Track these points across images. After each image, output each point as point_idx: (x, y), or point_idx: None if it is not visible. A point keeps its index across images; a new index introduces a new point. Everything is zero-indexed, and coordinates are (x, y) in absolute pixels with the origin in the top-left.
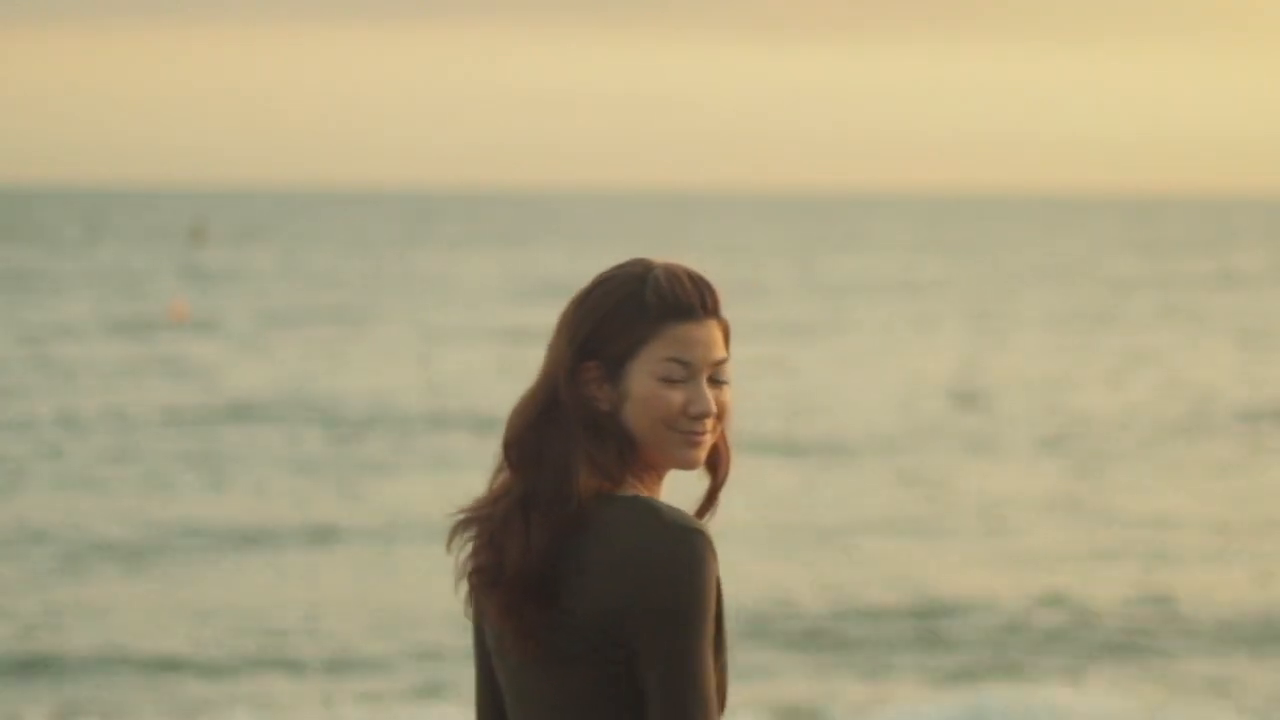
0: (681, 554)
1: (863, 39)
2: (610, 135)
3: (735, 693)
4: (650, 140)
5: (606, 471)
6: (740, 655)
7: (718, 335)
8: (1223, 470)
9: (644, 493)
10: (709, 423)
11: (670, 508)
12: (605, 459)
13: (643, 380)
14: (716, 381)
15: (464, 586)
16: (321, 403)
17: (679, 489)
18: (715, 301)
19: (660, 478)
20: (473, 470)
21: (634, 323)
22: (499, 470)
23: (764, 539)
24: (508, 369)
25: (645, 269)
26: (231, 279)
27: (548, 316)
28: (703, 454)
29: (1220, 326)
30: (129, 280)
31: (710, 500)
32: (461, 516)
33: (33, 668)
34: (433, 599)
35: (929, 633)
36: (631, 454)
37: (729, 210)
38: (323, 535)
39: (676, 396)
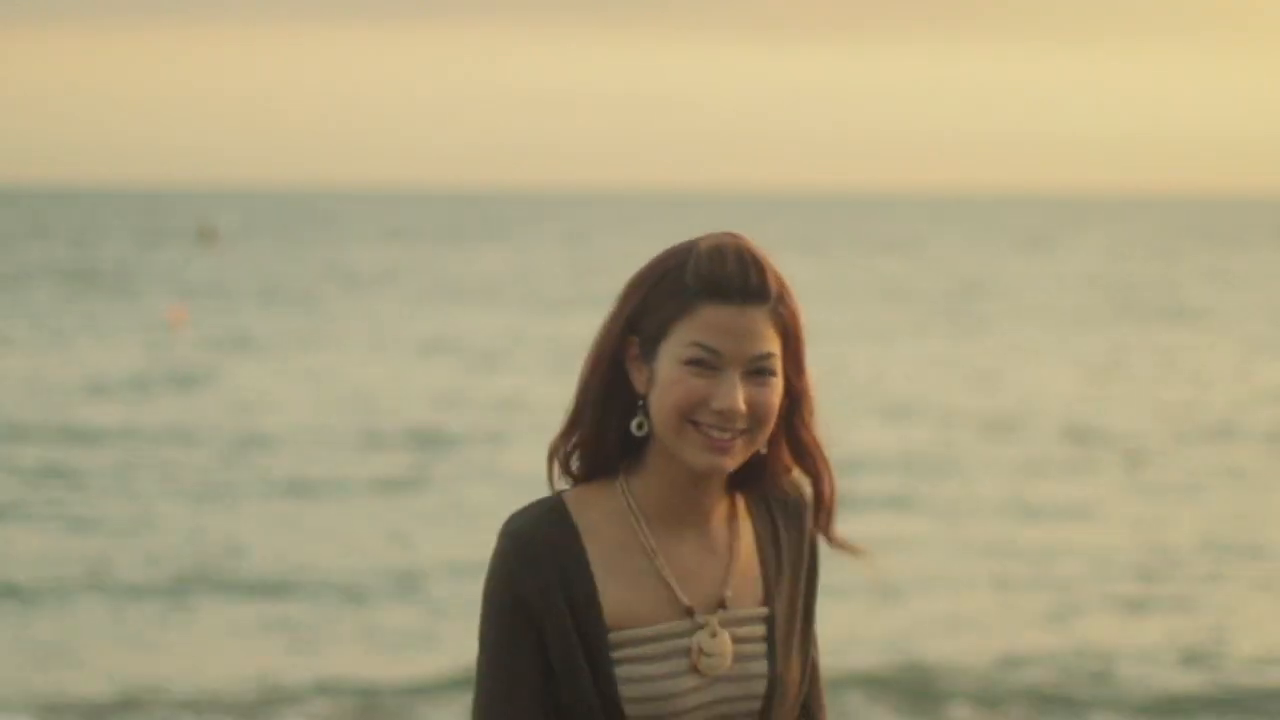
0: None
1: (863, 39)
2: (610, 135)
3: None
4: (650, 140)
5: (591, 459)
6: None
7: (763, 326)
8: None
9: (637, 486)
10: (738, 424)
11: (527, 507)
12: (598, 444)
13: (668, 363)
14: (757, 377)
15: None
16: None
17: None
18: (765, 287)
19: (689, 477)
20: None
21: (670, 299)
22: None
23: None
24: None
25: (690, 243)
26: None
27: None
28: (727, 460)
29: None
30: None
31: (824, 516)
32: None
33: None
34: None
35: None
36: (646, 444)
37: (729, 210)
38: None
39: (699, 386)
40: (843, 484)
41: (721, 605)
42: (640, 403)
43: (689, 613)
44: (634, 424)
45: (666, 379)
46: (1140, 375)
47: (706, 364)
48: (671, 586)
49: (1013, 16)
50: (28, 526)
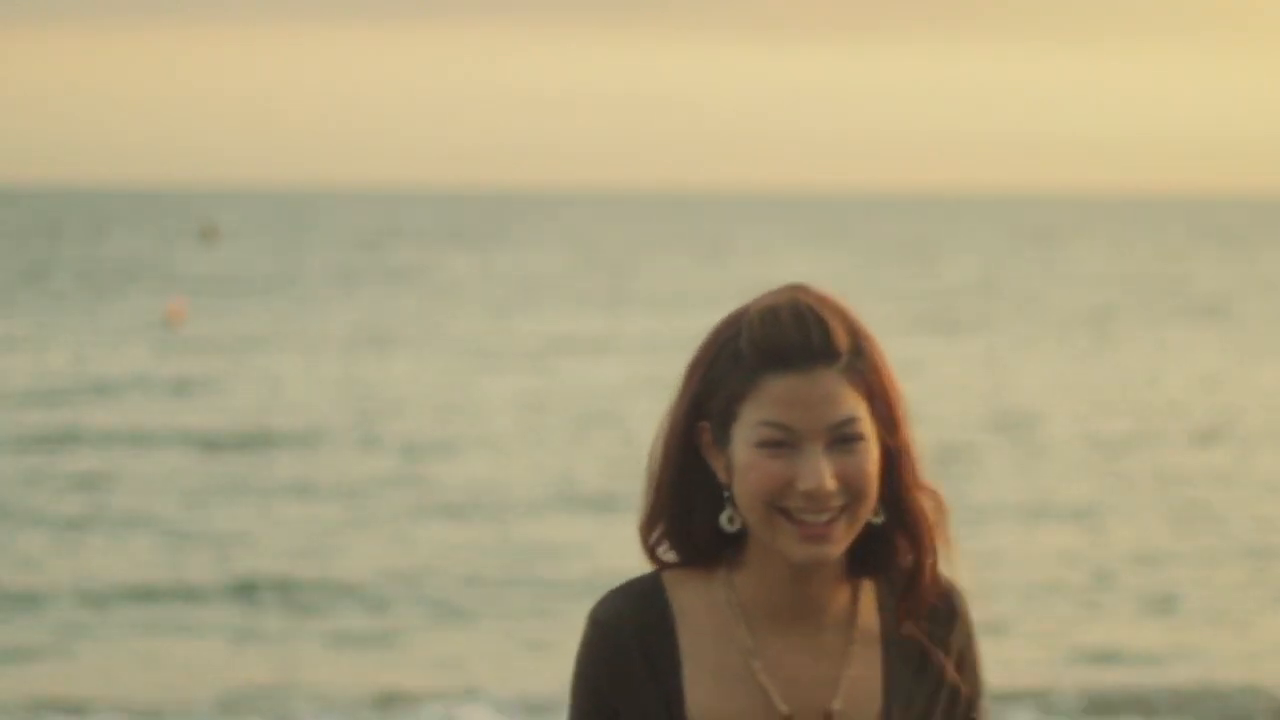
0: None
1: (863, 39)
2: (610, 135)
3: None
4: (650, 140)
5: (689, 547)
6: None
7: (837, 388)
8: None
9: (740, 580)
10: (832, 502)
11: (620, 587)
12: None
13: (742, 449)
14: (843, 446)
15: None
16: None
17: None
18: (831, 344)
19: (792, 571)
20: None
21: (730, 376)
22: None
23: None
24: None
25: (745, 308)
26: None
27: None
28: (829, 548)
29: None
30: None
31: (911, 598)
32: None
33: None
34: None
35: None
36: (745, 534)
37: (729, 210)
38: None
39: (778, 469)
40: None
41: (828, 718)
42: (727, 494)
43: None
44: (723, 518)
45: (743, 466)
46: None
47: (782, 443)
48: (768, 692)
49: (1013, 16)
50: (36, 527)
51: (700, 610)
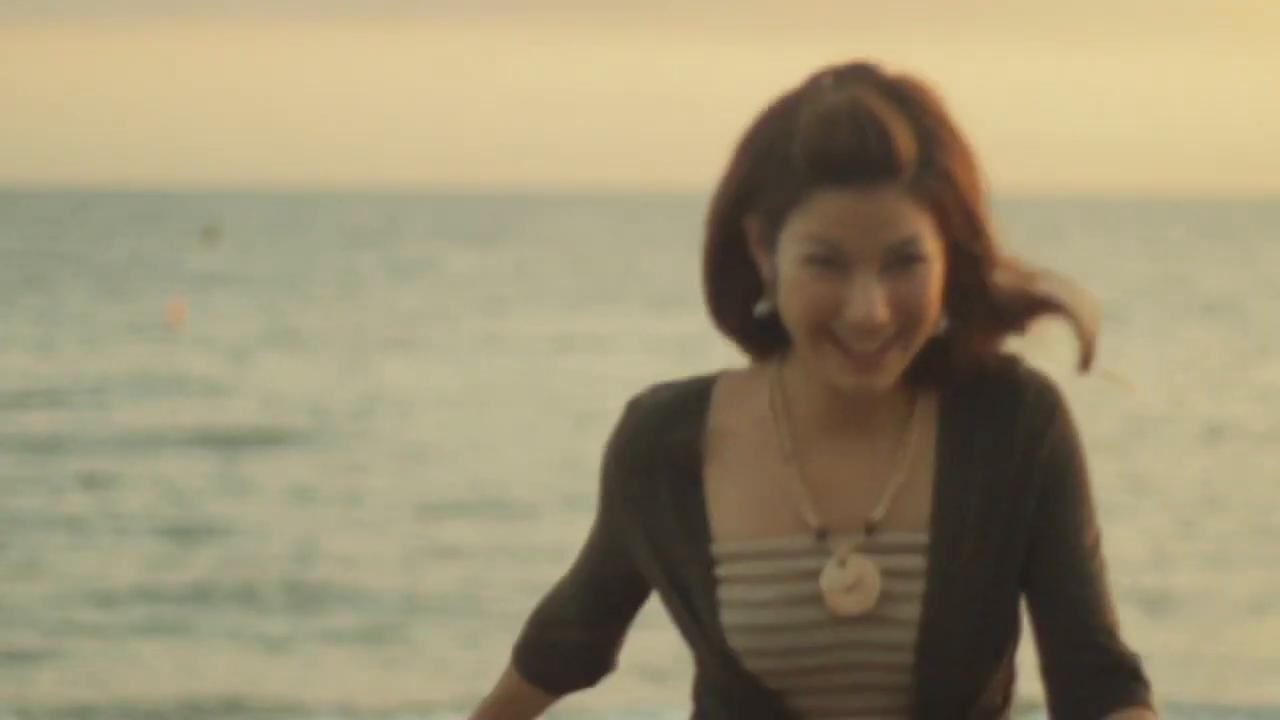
0: None
1: (863, 39)
2: (610, 135)
3: None
4: (650, 140)
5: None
6: None
7: (897, 206)
8: None
9: (790, 376)
10: (884, 332)
11: (671, 382)
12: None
13: (788, 261)
14: (899, 268)
15: None
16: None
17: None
18: (894, 156)
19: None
20: None
21: (779, 181)
22: None
23: None
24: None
25: (804, 94)
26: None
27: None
28: (878, 378)
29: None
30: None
31: (1084, 348)
32: None
33: None
34: None
35: None
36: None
37: None
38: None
39: (825, 291)
40: None
41: (869, 528)
42: (767, 290)
43: (820, 534)
44: (758, 307)
45: (789, 281)
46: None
47: (831, 261)
48: (800, 503)
49: (1013, 16)
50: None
51: (742, 420)
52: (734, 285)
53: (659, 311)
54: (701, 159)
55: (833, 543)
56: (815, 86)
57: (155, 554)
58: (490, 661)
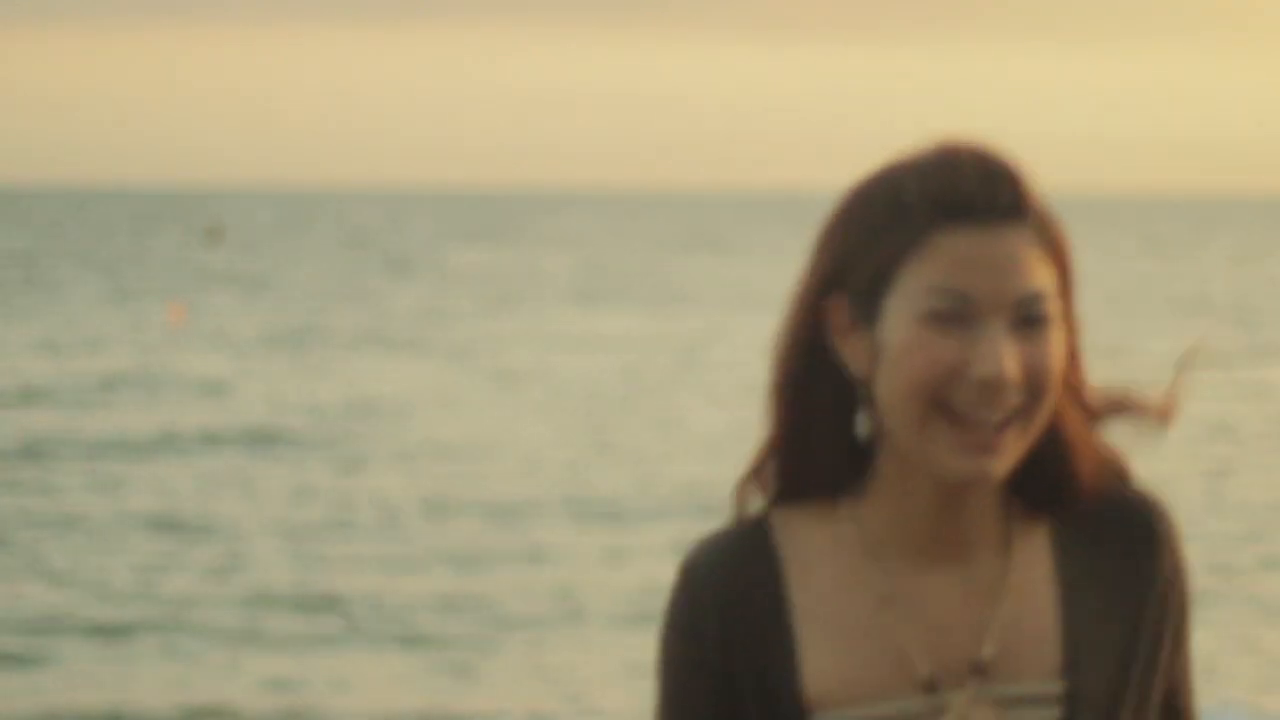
0: None
1: (863, 39)
2: (610, 135)
3: None
4: (650, 140)
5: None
6: None
7: (1027, 253)
8: None
9: (867, 510)
10: (1009, 398)
11: (716, 533)
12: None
13: (898, 323)
14: (1028, 329)
15: None
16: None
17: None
18: (1021, 198)
19: (941, 494)
20: None
21: (888, 233)
22: None
23: None
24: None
25: (900, 159)
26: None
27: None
28: (995, 462)
29: None
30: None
31: (1066, 489)
32: None
33: None
34: None
35: None
36: (874, 453)
37: (730, 210)
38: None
39: (948, 349)
40: None
41: (976, 669)
42: (861, 392)
43: (930, 686)
44: (859, 421)
45: (900, 346)
46: None
47: (957, 317)
48: (905, 648)
49: (1013, 16)
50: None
51: (818, 555)
52: (820, 400)
53: (660, 311)
54: (701, 159)
55: (946, 695)
56: (907, 152)
57: (155, 554)
58: (495, 662)
